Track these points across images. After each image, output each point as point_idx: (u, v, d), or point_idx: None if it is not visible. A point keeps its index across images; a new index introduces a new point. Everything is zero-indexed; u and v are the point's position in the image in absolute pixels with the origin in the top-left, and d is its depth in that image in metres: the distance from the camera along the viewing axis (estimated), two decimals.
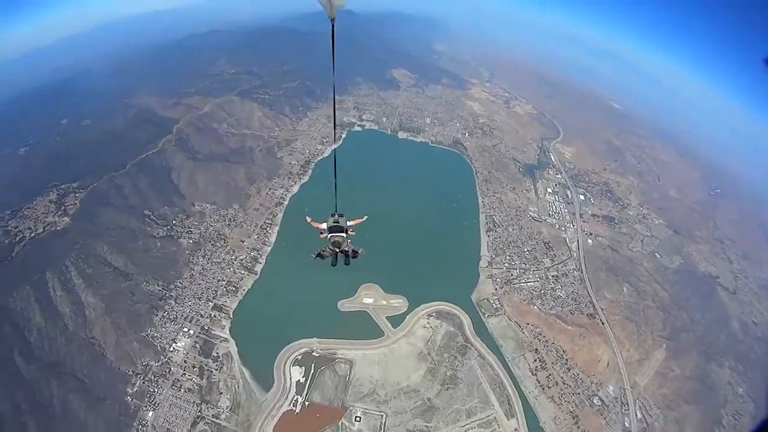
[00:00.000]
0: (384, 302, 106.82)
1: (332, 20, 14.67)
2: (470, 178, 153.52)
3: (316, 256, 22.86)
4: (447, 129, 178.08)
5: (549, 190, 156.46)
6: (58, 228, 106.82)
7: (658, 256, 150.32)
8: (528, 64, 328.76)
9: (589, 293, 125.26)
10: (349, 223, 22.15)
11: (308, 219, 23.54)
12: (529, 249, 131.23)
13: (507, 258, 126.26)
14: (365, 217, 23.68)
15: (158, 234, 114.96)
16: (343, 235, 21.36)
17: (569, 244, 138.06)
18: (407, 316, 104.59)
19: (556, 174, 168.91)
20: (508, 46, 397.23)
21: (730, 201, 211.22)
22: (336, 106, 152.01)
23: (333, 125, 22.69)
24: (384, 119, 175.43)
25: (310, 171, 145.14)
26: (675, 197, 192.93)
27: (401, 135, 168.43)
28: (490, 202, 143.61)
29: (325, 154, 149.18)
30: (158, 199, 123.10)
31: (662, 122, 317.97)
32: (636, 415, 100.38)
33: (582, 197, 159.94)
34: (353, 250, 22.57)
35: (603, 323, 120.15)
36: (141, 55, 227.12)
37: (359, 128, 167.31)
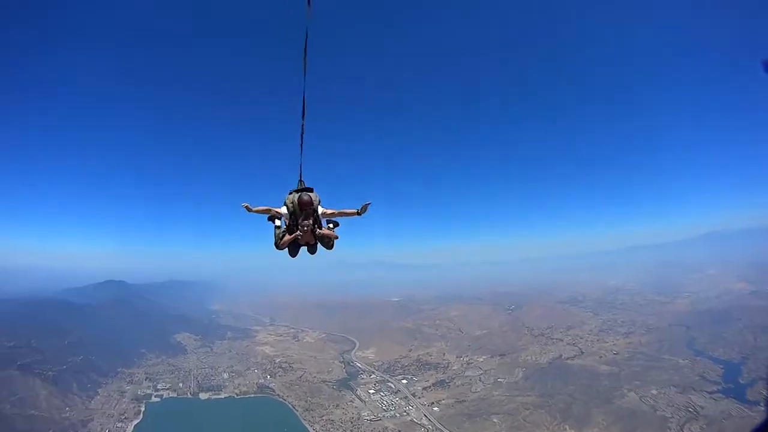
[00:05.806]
0: None
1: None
2: (290, 414, 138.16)
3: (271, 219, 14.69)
4: (247, 378, 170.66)
5: (371, 391, 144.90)
6: None
7: (501, 380, 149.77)
8: (304, 297, 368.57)
9: None
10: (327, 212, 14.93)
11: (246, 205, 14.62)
12: None
13: None
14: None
15: None
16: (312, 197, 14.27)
17: (420, 422, 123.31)
18: None
19: (370, 376, 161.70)
20: (282, 289, 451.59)
21: (527, 306, 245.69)
22: (126, 380, 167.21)
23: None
24: (180, 384, 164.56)
25: None
26: (483, 334, 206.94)
27: (203, 396, 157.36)
28: (322, 427, 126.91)
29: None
30: None
31: (438, 289, 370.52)
32: None
33: (405, 381, 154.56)
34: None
35: None
36: None
37: (157, 398, 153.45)
